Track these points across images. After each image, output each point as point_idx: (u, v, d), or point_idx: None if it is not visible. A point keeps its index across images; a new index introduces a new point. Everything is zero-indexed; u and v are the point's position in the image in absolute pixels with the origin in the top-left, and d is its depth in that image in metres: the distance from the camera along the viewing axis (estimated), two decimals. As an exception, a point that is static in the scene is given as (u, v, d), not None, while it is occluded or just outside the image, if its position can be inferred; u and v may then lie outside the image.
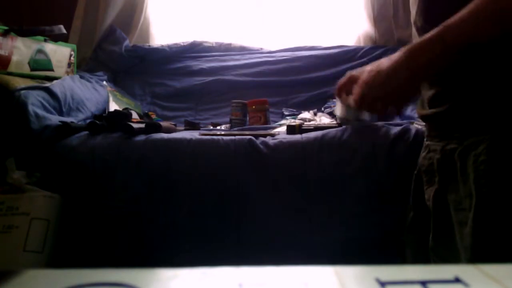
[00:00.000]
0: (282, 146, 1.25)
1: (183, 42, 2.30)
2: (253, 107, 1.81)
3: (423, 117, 0.77)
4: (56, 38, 1.75)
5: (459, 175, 0.65)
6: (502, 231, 0.61)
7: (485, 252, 0.62)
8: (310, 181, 1.21)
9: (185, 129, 1.68)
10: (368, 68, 0.72)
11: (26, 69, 1.61)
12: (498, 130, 0.62)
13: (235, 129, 1.68)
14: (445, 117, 0.69)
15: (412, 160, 0.82)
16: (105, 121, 1.41)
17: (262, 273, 0.24)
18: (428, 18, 0.71)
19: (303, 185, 1.22)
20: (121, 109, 1.64)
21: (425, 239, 0.75)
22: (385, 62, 0.68)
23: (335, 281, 0.23)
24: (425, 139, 0.79)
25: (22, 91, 1.36)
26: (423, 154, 0.77)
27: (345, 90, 0.80)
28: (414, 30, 0.77)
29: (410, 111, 1.69)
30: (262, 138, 1.29)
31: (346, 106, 0.78)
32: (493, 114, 0.64)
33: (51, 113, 1.43)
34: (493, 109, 0.64)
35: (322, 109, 1.96)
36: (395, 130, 1.24)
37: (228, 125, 1.83)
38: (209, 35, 2.37)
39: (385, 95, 0.69)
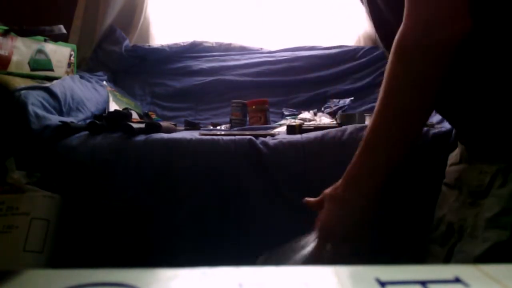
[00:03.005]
0: (282, 146, 1.25)
1: (183, 42, 2.30)
2: (253, 107, 1.81)
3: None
4: (56, 38, 1.75)
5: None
6: None
7: None
8: (310, 181, 1.21)
9: (185, 129, 1.68)
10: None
11: (26, 69, 1.61)
12: None
13: (235, 129, 1.68)
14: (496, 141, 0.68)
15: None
16: (105, 121, 1.41)
17: (262, 273, 0.24)
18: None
19: (303, 185, 1.21)
20: (121, 109, 1.63)
21: (450, 254, 0.73)
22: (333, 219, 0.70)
23: (335, 281, 0.23)
24: (465, 157, 0.76)
25: (22, 91, 1.36)
26: (473, 174, 0.72)
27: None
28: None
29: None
30: (262, 138, 1.29)
31: None
32: None
33: (51, 113, 1.43)
34: None
35: (322, 109, 1.96)
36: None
37: (228, 125, 1.83)
38: (209, 35, 2.37)
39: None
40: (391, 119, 0.64)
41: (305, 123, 1.62)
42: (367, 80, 2.13)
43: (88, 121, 1.48)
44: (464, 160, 0.76)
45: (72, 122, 1.43)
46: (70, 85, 1.63)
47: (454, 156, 0.82)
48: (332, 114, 1.84)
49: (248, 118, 1.83)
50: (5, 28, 1.53)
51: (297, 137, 1.29)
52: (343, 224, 0.69)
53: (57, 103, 1.49)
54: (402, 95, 0.63)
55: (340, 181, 0.71)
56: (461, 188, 0.75)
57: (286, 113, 1.97)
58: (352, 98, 1.97)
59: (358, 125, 1.32)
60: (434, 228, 0.81)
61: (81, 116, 1.61)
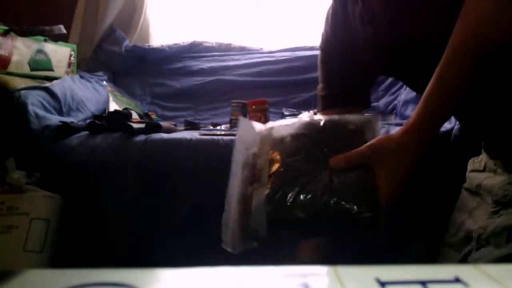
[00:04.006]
0: (282, 146, 1.25)
1: (183, 42, 2.30)
2: (253, 107, 1.81)
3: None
4: (56, 38, 1.75)
5: None
6: None
7: None
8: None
9: (185, 129, 1.68)
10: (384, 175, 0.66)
11: (26, 69, 1.61)
12: None
13: (235, 129, 1.68)
14: None
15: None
16: (105, 121, 1.41)
17: (262, 273, 0.24)
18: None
19: (303, 185, 1.21)
20: (121, 109, 1.63)
21: (464, 260, 0.73)
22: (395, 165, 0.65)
23: (335, 281, 0.23)
24: (490, 166, 0.76)
25: (22, 91, 1.36)
26: (499, 183, 0.72)
27: None
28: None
29: (411, 111, 1.69)
30: (262, 138, 1.29)
31: None
32: None
33: (51, 113, 1.43)
34: None
35: (322, 109, 1.96)
36: (395, 130, 1.24)
37: (228, 125, 1.83)
38: (209, 35, 2.37)
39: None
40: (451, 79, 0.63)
41: (305, 123, 1.61)
42: (367, 80, 2.12)
43: (88, 121, 1.48)
44: (488, 169, 0.75)
45: (72, 122, 1.43)
46: (70, 85, 1.63)
47: (476, 162, 0.81)
48: (332, 114, 1.84)
49: (248, 118, 1.83)
50: (5, 28, 1.53)
51: (297, 137, 1.28)
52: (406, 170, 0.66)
53: (57, 103, 1.49)
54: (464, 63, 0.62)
55: (395, 133, 0.68)
56: (483, 196, 0.75)
57: (286, 113, 1.97)
58: (352, 98, 1.97)
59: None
60: (453, 234, 0.80)
61: (81, 116, 1.61)
